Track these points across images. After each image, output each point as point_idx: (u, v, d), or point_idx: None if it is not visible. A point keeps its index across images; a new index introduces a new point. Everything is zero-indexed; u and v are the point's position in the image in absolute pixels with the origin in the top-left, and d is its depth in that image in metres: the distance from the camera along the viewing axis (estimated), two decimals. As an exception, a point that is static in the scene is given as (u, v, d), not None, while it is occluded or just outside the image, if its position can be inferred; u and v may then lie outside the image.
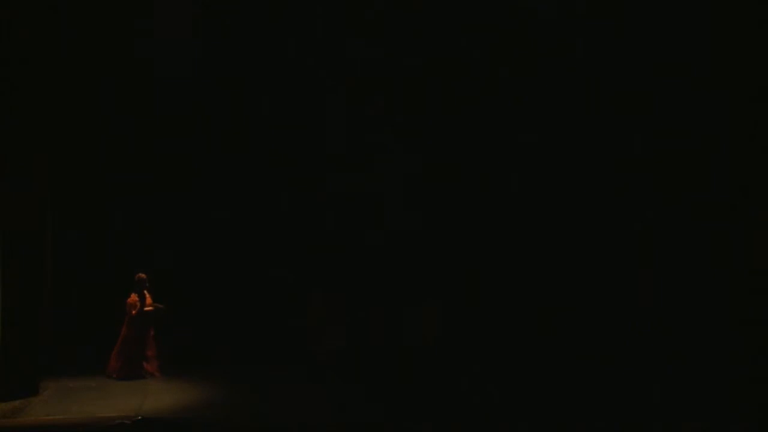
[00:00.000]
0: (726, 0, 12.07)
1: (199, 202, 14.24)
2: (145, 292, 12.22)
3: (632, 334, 12.36)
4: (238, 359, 13.34)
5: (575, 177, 13.64)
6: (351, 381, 12.22)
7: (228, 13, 13.91)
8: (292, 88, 14.30)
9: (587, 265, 13.31)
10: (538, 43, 13.51)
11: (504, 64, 13.72)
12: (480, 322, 13.53)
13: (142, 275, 12.23)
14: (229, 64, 14.19)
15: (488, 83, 13.87)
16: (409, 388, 11.40)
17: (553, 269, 13.52)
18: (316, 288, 14.03)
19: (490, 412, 9.92)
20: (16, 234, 10.88)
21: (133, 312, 12.05)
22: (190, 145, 14.32)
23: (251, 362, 13.17)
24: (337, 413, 10.02)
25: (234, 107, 14.34)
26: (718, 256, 12.13)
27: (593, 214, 13.37)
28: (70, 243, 13.33)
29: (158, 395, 10.94)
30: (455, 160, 14.19)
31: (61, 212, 12.93)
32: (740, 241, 11.93)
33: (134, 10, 13.25)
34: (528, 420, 9.54)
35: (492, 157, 14.01)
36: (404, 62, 14.00)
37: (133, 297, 12.15)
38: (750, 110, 11.84)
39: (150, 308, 12.16)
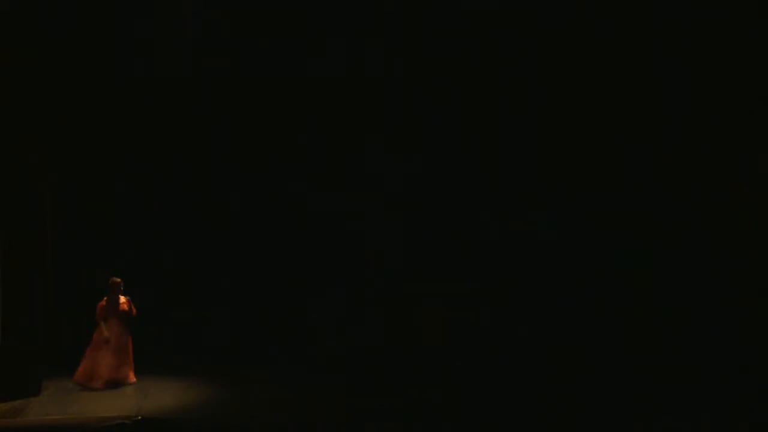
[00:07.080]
0: None
1: (200, 203, 14.24)
2: (120, 296, 11.83)
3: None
4: (239, 359, 13.34)
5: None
6: (351, 381, 12.21)
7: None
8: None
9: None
10: None
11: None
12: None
13: (117, 279, 11.87)
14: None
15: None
16: (407, 388, 11.40)
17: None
18: (317, 288, 14.05)
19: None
20: (17, 234, 10.88)
21: (98, 316, 11.71)
22: (191, 146, 14.34)
23: (252, 362, 13.17)
24: (336, 414, 10.01)
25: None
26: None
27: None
28: (71, 243, 13.33)
29: (158, 395, 10.93)
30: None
31: (62, 212, 12.93)
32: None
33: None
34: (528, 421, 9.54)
35: None
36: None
37: (103, 302, 11.79)
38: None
39: (125, 307, 11.72)
